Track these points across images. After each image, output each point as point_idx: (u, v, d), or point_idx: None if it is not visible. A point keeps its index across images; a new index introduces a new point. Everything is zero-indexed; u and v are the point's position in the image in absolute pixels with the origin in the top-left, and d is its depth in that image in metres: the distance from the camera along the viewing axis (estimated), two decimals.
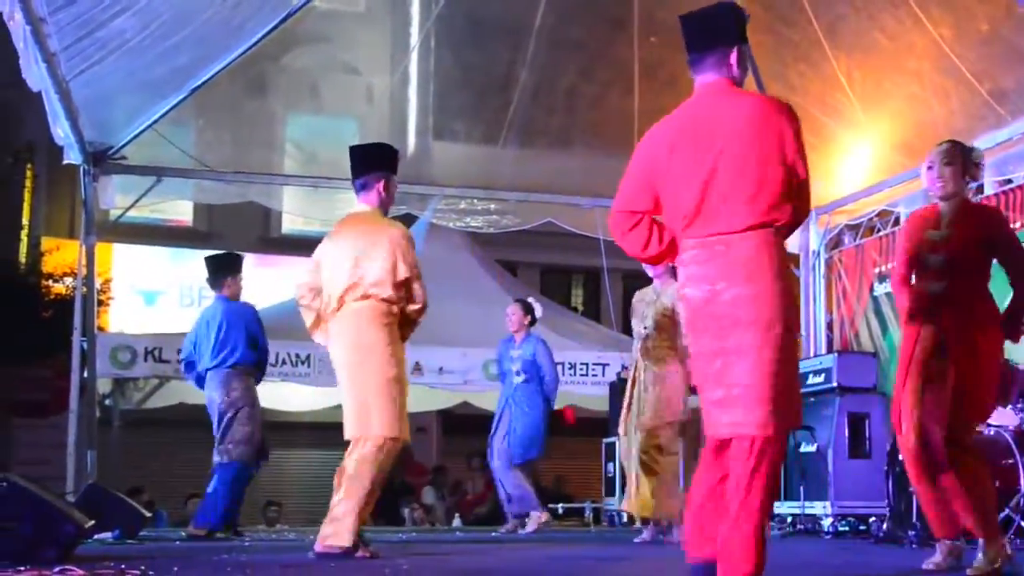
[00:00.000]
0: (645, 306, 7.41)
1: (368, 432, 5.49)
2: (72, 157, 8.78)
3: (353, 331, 5.58)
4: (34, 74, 6.89)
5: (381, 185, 5.80)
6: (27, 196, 15.44)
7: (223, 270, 8.18)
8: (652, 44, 9.06)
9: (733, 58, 3.68)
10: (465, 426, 14.86)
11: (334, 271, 5.65)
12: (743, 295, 3.47)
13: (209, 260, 8.33)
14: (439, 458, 16.27)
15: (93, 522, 5.67)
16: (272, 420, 14.22)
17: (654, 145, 3.72)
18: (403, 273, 5.60)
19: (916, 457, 4.74)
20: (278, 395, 12.60)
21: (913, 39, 8.21)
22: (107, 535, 6.75)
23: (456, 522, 12.48)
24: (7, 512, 4.92)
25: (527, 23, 9.40)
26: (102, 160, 9.16)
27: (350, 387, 5.59)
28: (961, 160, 4.85)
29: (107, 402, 11.47)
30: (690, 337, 3.62)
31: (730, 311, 3.47)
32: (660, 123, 3.77)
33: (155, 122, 9.09)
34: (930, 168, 4.87)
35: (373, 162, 5.85)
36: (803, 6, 8.65)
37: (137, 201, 9.65)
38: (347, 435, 5.57)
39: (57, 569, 4.48)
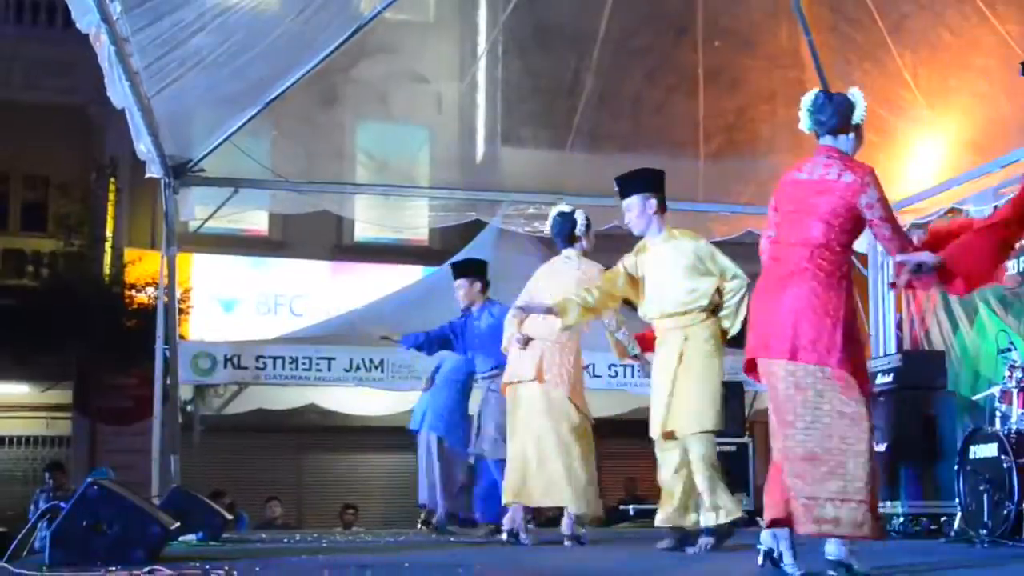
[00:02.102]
0: None
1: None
2: (154, 171, 9.03)
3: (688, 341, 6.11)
4: (118, 92, 7.17)
5: None
6: (111, 209, 15.82)
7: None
8: (716, 49, 9.13)
9: None
10: None
11: (665, 287, 6.14)
12: None
13: (480, 264, 8.35)
14: None
15: (178, 524, 5.89)
16: (347, 424, 14.56)
17: None
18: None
19: None
20: (353, 399, 12.86)
21: (980, 36, 8.17)
22: (191, 537, 6.95)
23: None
24: (97, 514, 5.14)
25: (592, 30, 9.50)
26: (182, 173, 9.40)
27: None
28: None
29: (188, 408, 11.76)
30: None
31: None
32: None
33: (231, 135, 9.33)
34: None
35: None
36: (867, 5, 8.65)
37: (215, 212, 9.88)
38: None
39: (146, 569, 4.70)
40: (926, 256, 4.52)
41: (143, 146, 8.43)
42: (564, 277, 6.75)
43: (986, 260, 4.54)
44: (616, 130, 10.30)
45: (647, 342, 6.85)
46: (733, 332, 6.19)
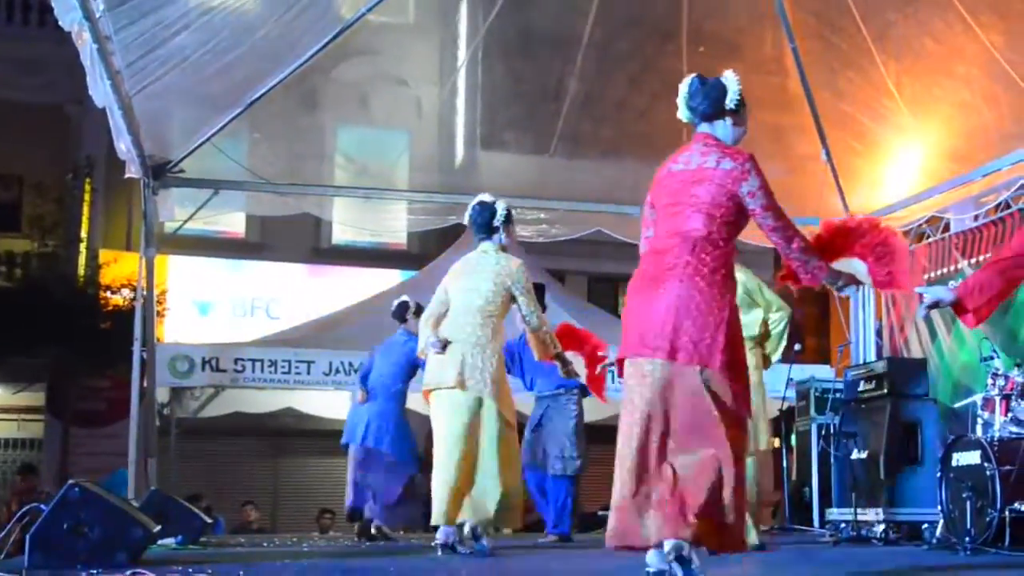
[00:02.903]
0: None
1: None
2: (133, 171, 8.90)
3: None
4: (99, 91, 7.09)
5: None
6: (86, 209, 15.68)
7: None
8: (700, 55, 9.11)
9: None
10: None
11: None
12: None
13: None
14: None
15: (160, 527, 5.82)
16: (323, 428, 14.45)
17: None
18: None
19: None
20: (329, 403, 12.77)
21: (963, 44, 8.20)
22: (170, 540, 6.88)
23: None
24: (79, 516, 5.07)
25: (577, 35, 9.49)
26: (161, 174, 9.32)
27: None
28: None
29: (164, 411, 11.66)
30: None
31: None
32: None
33: (212, 136, 9.25)
34: None
35: None
36: (852, 13, 8.67)
37: (195, 213, 9.80)
38: None
39: (128, 572, 4.63)
40: (943, 293, 4.53)
41: (123, 145, 8.34)
42: (481, 273, 6.37)
43: (996, 298, 4.50)
44: (599, 135, 10.29)
45: (573, 339, 6.81)
46: (775, 358, 7.06)
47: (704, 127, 4.27)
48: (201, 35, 7.57)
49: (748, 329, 6.49)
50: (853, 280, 4.48)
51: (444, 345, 6.26)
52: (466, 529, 6.26)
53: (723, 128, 4.27)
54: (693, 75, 4.31)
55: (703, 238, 4.11)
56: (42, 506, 5.26)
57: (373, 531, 8.42)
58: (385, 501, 8.39)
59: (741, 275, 6.67)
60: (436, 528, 6.21)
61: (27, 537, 5.07)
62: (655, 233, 4.30)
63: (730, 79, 4.27)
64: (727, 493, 3.97)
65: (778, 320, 6.90)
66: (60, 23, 6.37)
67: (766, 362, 7.00)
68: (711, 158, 4.16)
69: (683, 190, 4.17)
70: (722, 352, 4.01)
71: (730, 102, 4.24)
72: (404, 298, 8.60)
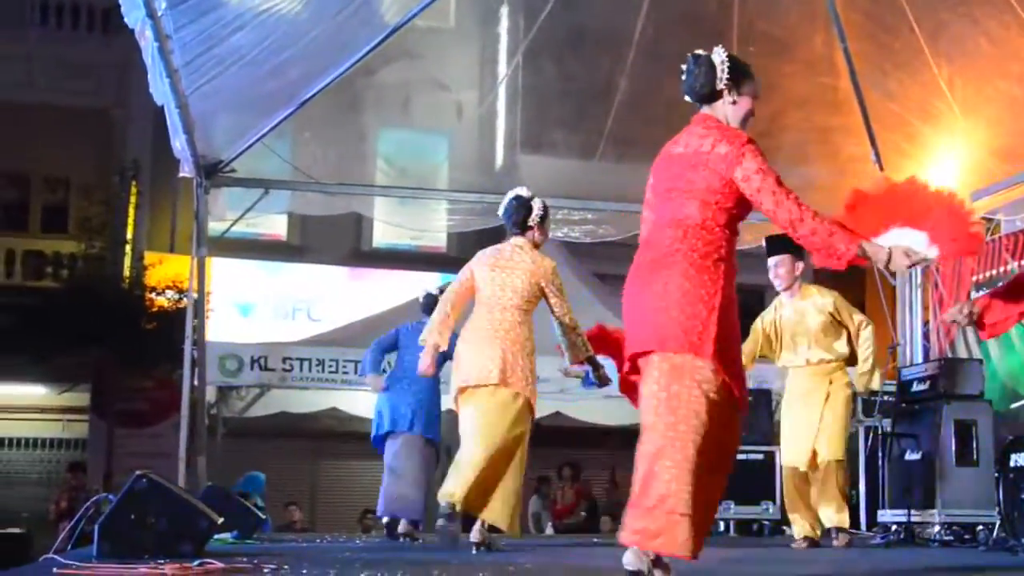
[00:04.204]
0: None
1: None
2: (187, 170, 8.94)
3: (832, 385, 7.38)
4: (159, 89, 7.17)
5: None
6: (132, 212, 15.81)
7: None
8: (751, 54, 9.07)
9: None
10: (555, 437, 14.91)
11: (807, 339, 7.34)
12: None
13: None
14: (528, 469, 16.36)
15: (222, 519, 5.87)
16: (367, 431, 14.46)
17: None
18: None
19: None
20: (371, 406, 12.80)
21: (1018, 45, 8.14)
22: (226, 535, 6.93)
23: (549, 530, 12.57)
24: (146, 508, 5.13)
25: (626, 34, 9.47)
26: (213, 173, 9.35)
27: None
28: None
29: (211, 411, 11.70)
30: None
31: None
32: None
33: (263, 136, 9.30)
34: None
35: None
36: (905, 13, 8.63)
37: (246, 212, 9.84)
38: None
39: (197, 562, 4.68)
40: (956, 314, 4.59)
41: (178, 144, 8.39)
42: (515, 270, 6.18)
43: (1012, 318, 4.56)
44: (648, 136, 10.18)
45: (605, 343, 6.66)
46: (875, 386, 7.54)
47: (705, 108, 4.10)
48: (257, 34, 7.59)
49: (841, 349, 7.31)
50: (910, 255, 4.02)
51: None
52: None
53: (723, 108, 4.08)
54: (690, 54, 4.10)
55: (697, 225, 3.92)
56: (111, 496, 5.33)
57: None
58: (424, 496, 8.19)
59: (830, 298, 7.28)
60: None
61: (95, 527, 5.14)
62: (653, 222, 4.09)
63: (716, 54, 4.06)
64: (683, 489, 3.74)
65: (867, 338, 7.38)
66: (126, 21, 6.44)
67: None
68: (708, 141, 3.97)
69: (681, 175, 3.98)
70: (714, 341, 3.82)
71: (720, 80, 4.04)
72: (433, 291, 8.53)
